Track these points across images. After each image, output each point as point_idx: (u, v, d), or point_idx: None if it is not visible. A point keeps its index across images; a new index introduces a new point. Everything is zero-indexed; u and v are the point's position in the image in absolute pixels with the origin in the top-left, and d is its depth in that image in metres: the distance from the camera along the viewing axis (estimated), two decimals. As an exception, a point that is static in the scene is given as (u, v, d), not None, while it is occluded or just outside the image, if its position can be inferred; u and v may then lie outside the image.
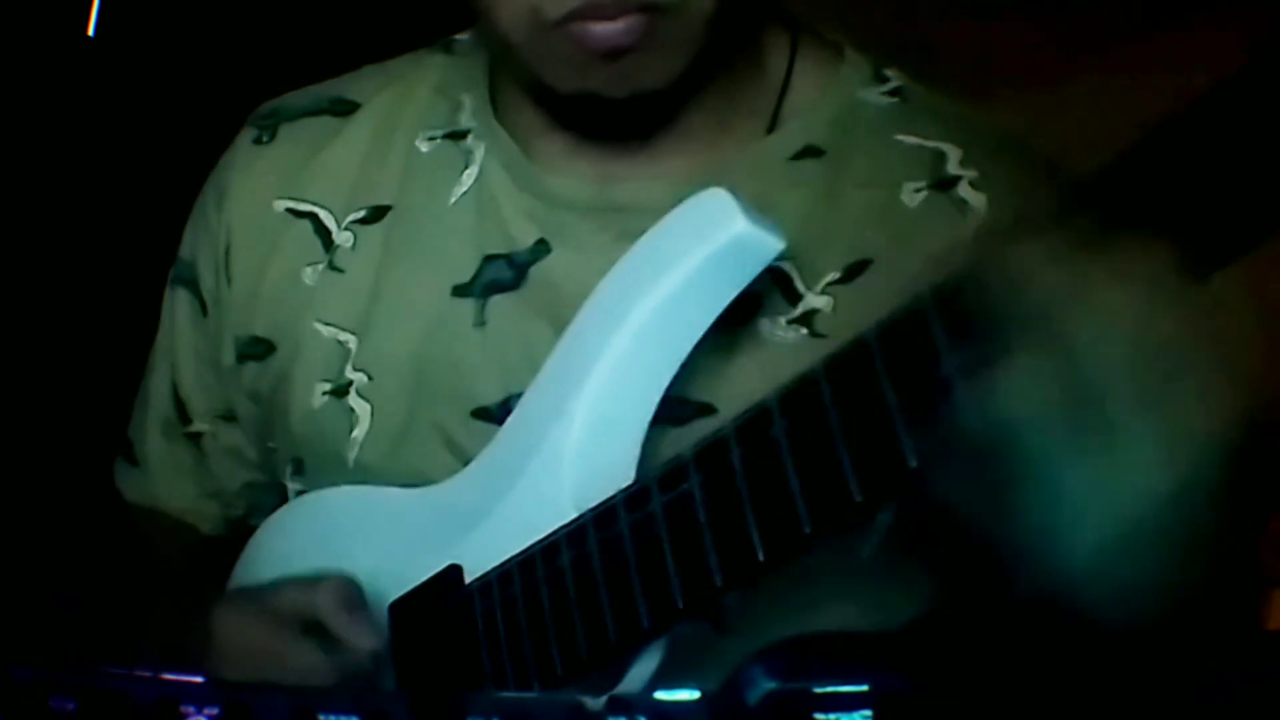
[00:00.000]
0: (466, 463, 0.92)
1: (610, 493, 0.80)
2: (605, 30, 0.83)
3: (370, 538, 0.96)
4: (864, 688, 0.54)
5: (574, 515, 0.81)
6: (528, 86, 0.94)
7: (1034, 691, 0.64)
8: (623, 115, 0.91)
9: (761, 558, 0.71)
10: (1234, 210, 0.59)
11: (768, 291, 0.90)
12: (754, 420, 0.73)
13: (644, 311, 0.82)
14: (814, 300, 0.90)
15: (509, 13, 0.85)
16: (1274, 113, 0.57)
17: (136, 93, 2.01)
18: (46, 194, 1.97)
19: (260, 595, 0.93)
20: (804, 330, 0.90)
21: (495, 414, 0.93)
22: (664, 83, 0.87)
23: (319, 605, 0.89)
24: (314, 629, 0.89)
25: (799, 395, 0.71)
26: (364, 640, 0.88)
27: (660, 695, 0.55)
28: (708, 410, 0.87)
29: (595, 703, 0.54)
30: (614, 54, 0.84)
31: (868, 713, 0.54)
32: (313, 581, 0.91)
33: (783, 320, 0.90)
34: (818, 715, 0.54)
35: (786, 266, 0.90)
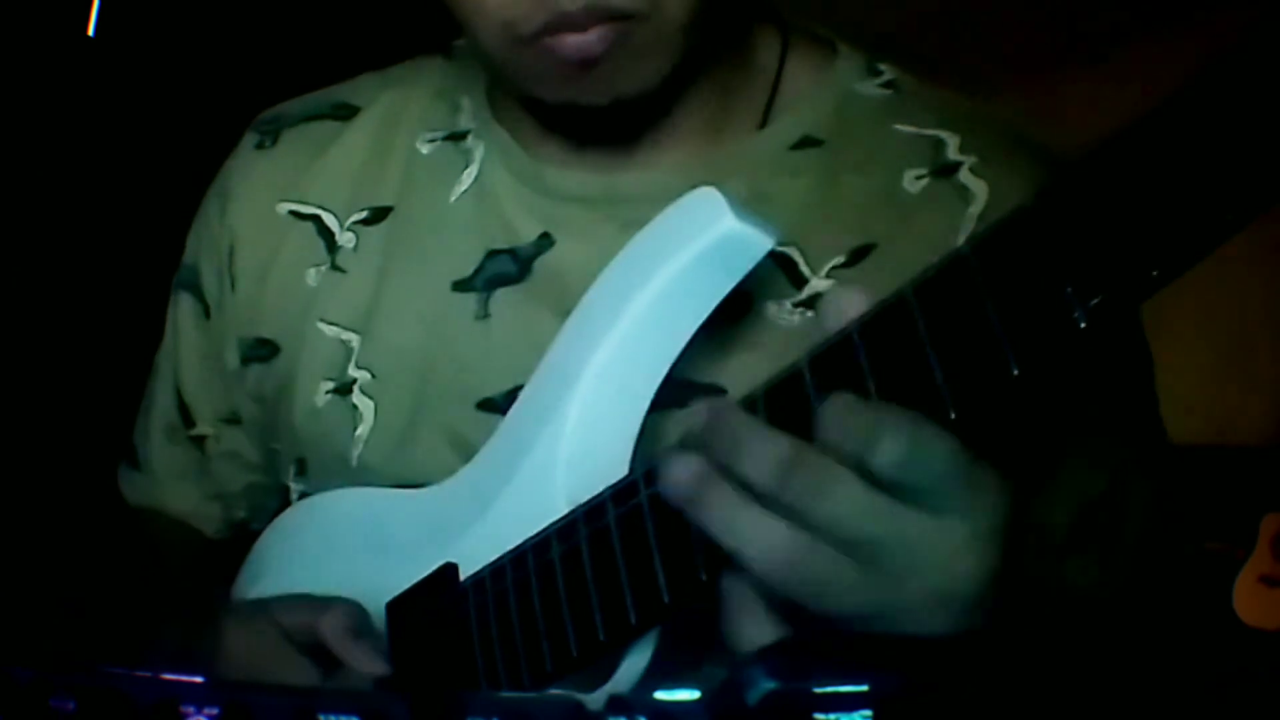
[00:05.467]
0: (469, 457, 0.92)
1: (603, 487, 0.79)
2: (577, 41, 0.83)
3: (372, 539, 0.96)
4: (864, 688, 0.54)
5: (566, 510, 0.81)
6: (517, 96, 0.95)
7: (1033, 692, 0.64)
8: (608, 121, 0.91)
9: None
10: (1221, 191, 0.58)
11: (772, 276, 0.90)
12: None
13: (635, 310, 0.82)
14: (819, 284, 0.90)
15: (485, 31, 0.86)
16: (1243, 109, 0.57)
17: (136, 94, 2.01)
18: (46, 197, 1.97)
19: (269, 609, 0.94)
20: (810, 314, 0.90)
21: (500, 405, 0.93)
22: (644, 89, 0.87)
23: (322, 629, 0.90)
24: (316, 650, 0.90)
25: (783, 387, 0.71)
26: (366, 665, 0.88)
27: (660, 695, 0.55)
28: (715, 393, 0.88)
29: (595, 703, 0.54)
30: (588, 63, 0.84)
31: (868, 713, 0.53)
32: (322, 604, 0.91)
33: (788, 304, 0.90)
34: (818, 715, 0.54)
35: (791, 251, 0.91)
